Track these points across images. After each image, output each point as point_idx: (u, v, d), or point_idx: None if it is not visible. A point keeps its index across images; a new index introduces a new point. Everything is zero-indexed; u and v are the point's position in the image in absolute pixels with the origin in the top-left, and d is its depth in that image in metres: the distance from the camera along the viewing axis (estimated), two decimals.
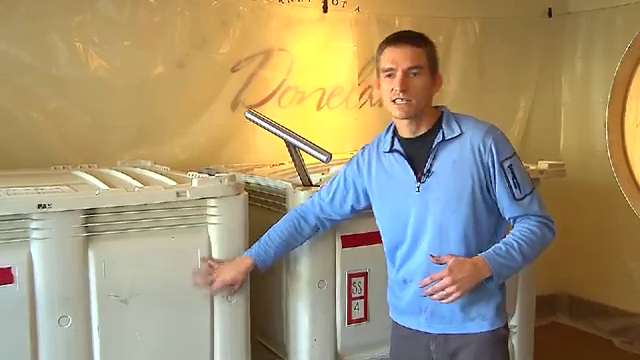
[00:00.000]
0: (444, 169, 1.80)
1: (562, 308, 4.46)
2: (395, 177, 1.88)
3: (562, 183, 3.14)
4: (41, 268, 1.97)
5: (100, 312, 2.05)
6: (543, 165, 2.93)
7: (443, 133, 1.80)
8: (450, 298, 1.72)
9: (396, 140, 1.89)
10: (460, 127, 1.81)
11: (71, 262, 2.01)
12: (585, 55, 4.27)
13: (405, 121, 1.84)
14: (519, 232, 1.79)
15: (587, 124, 4.22)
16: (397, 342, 1.99)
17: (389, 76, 1.78)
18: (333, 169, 2.57)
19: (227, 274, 2.11)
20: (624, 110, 2.17)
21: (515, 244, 1.76)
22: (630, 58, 2.14)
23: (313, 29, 3.58)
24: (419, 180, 1.82)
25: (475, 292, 1.77)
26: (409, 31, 1.87)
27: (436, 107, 1.88)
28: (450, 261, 1.74)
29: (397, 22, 3.80)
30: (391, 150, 1.89)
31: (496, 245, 1.78)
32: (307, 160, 2.54)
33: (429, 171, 1.81)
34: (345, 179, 2.09)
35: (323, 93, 3.64)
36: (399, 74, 1.76)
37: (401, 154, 1.87)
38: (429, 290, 1.75)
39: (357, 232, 2.52)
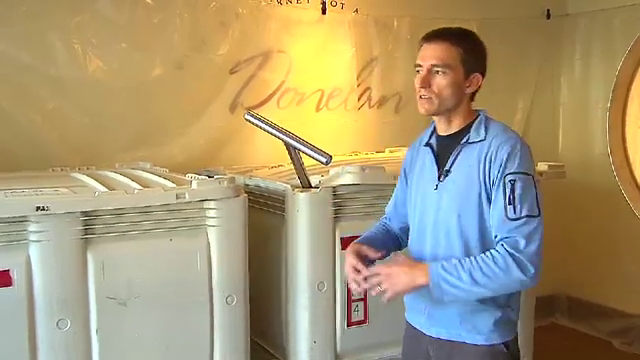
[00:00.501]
0: (460, 171, 1.76)
1: (561, 309, 4.46)
2: (424, 171, 1.87)
3: (561, 184, 3.14)
4: (40, 270, 1.96)
5: (99, 315, 2.05)
6: (543, 167, 2.93)
7: (469, 135, 1.78)
8: (385, 295, 1.70)
9: (434, 135, 1.88)
10: (486, 132, 1.75)
11: (70, 264, 2.01)
12: (584, 56, 4.27)
13: (436, 118, 1.83)
14: (482, 255, 1.66)
15: (586, 125, 4.22)
16: (407, 341, 1.98)
17: (418, 72, 1.77)
18: (333, 171, 2.57)
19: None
20: (625, 112, 2.16)
21: (466, 265, 1.64)
22: (631, 59, 2.13)
23: (312, 31, 3.58)
24: (439, 178, 1.80)
25: (474, 303, 1.73)
26: (448, 28, 1.81)
27: (476, 110, 1.84)
28: (396, 258, 1.76)
29: (395, 23, 3.80)
30: (427, 144, 1.88)
31: (451, 258, 1.69)
32: (306, 162, 2.54)
33: (448, 171, 1.78)
34: (401, 178, 2.04)
35: (322, 94, 3.64)
36: (424, 71, 1.75)
37: (432, 149, 1.85)
38: (360, 286, 1.76)
39: (356, 234, 2.50)
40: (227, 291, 2.25)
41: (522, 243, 1.62)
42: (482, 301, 1.73)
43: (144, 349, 2.13)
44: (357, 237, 2.49)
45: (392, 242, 2.02)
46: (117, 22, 3.03)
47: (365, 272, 1.76)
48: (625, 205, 2.60)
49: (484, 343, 1.76)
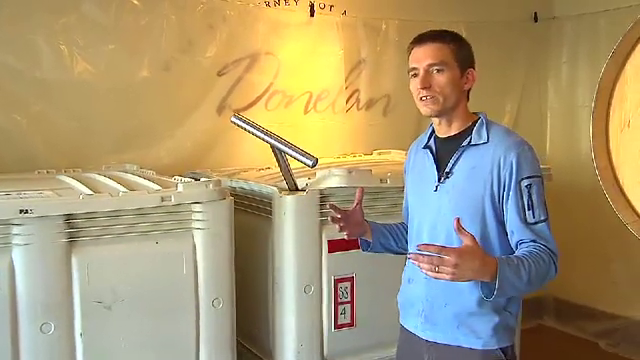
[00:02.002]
0: (462, 174, 1.76)
1: (548, 311, 4.48)
2: (423, 173, 1.86)
3: (548, 186, 3.14)
4: (23, 274, 1.95)
5: (83, 318, 2.04)
6: None
7: (471, 138, 1.77)
8: (438, 275, 1.51)
9: (433, 137, 1.88)
10: (488, 135, 1.75)
11: (54, 268, 1.99)
12: (570, 59, 4.30)
13: (436, 120, 1.82)
14: (530, 254, 1.63)
15: (573, 128, 4.25)
16: (401, 345, 1.97)
17: (414, 75, 1.77)
18: (319, 173, 2.57)
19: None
20: (608, 115, 2.18)
21: (525, 264, 1.60)
22: (614, 63, 2.14)
23: (300, 33, 3.58)
24: (439, 180, 1.80)
25: (473, 306, 1.73)
26: (435, 30, 1.81)
27: (475, 113, 1.84)
28: (469, 244, 1.54)
29: (384, 26, 3.81)
30: (426, 146, 1.88)
31: (509, 256, 1.63)
32: (293, 164, 2.53)
33: (449, 173, 1.78)
34: (405, 181, 2.04)
35: (310, 97, 3.63)
36: (421, 72, 1.75)
37: (431, 151, 1.85)
38: (425, 258, 1.51)
39: (343, 237, 2.50)
40: (213, 294, 2.24)
41: (553, 245, 1.69)
42: (480, 304, 1.72)
43: (129, 353, 2.11)
44: (344, 240, 2.51)
45: (393, 239, 2.01)
46: (104, 24, 3.01)
47: (431, 248, 1.53)
48: (611, 207, 2.61)
49: (481, 348, 1.74)
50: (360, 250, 2.06)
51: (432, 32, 1.80)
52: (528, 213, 1.68)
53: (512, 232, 1.71)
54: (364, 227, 1.96)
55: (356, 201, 1.91)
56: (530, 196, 1.68)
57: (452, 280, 1.53)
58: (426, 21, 3.60)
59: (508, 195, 1.70)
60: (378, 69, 3.81)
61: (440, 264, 1.51)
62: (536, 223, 1.68)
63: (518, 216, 1.68)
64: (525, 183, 1.69)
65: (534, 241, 1.67)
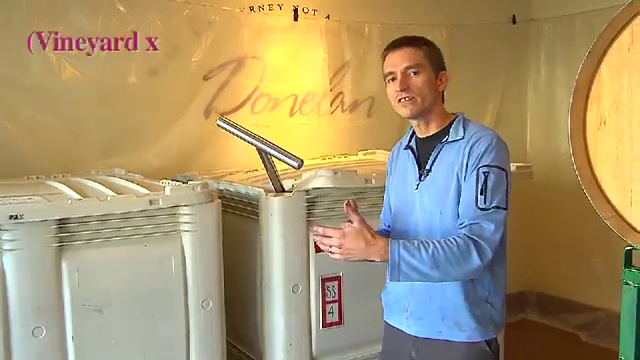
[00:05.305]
0: (440, 170, 1.81)
1: (532, 305, 4.58)
2: (405, 173, 1.91)
3: (529, 183, 3.23)
4: (14, 279, 1.96)
5: (74, 322, 2.06)
6: (511, 167, 2.99)
7: (448, 135, 1.82)
8: (332, 256, 1.69)
9: (414, 138, 1.94)
10: (464, 131, 1.80)
11: (44, 272, 2.01)
12: (549, 60, 4.39)
13: (414, 121, 1.88)
14: (445, 239, 1.67)
15: (552, 126, 4.34)
16: (386, 342, 2.01)
17: (392, 80, 1.83)
18: (305, 175, 2.61)
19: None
20: (585, 115, 2.24)
21: (430, 247, 1.64)
22: (590, 63, 2.19)
23: (284, 37, 3.62)
24: (419, 178, 1.85)
25: (456, 299, 1.77)
26: (406, 36, 1.87)
27: (453, 113, 1.89)
28: (355, 225, 1.67)
29: (367, 30, 3.87)
30: (407, 146, 1.93)
31: (413, 239, 1.70)
32: (280, 166, 2.57)
33: (429, 170, 1.83)
34: (388, 182, 2.08)
35: (295, 99, 3.68)
36: (399, 75, 1.81)
37: (412, 151, 1.91)
38: (318, 238, 1.71)
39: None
40: (202, 295, 2.27)
41: (488, 229, 1.68)
42: (463, 297, 1.77)
43: (120, 355, 2.14)
44: None
45: None
46: (91, 30, 3.03)
47: (319, 230, 1.71)
48: (589, 202, 2.67)
49: (466, 340, 1.79)
50: None
51: (405, 38, 1.86)
52: (480, 198, 1.69)
53: (461, 215, 1.72)
54: None
55: (356, 216, 1.80)
56: (485, 183, 1.70)
57: (344, 259, 1.67)
58: (407, 24, 3.68)
59: (467, 179, 1.73)
60: (362, 71, 3.87)
61: (329, 244, 1.67)
62: (486, 209, 1.69)
63: (469, 199, 1.71)
64: (483, 170, 1.71)
65: (477, 224, 1.68)
